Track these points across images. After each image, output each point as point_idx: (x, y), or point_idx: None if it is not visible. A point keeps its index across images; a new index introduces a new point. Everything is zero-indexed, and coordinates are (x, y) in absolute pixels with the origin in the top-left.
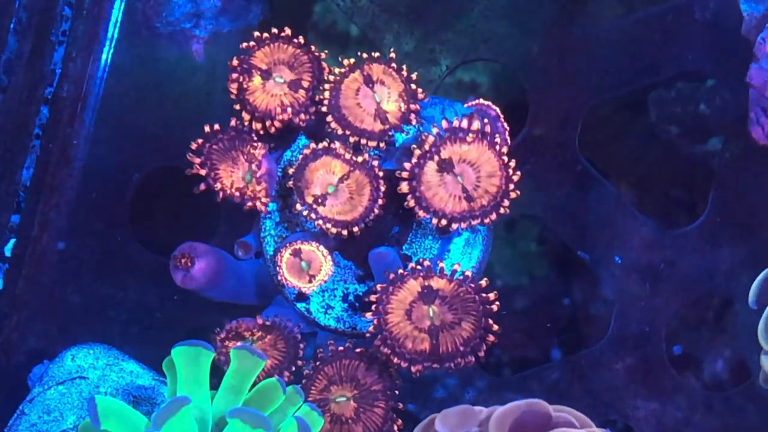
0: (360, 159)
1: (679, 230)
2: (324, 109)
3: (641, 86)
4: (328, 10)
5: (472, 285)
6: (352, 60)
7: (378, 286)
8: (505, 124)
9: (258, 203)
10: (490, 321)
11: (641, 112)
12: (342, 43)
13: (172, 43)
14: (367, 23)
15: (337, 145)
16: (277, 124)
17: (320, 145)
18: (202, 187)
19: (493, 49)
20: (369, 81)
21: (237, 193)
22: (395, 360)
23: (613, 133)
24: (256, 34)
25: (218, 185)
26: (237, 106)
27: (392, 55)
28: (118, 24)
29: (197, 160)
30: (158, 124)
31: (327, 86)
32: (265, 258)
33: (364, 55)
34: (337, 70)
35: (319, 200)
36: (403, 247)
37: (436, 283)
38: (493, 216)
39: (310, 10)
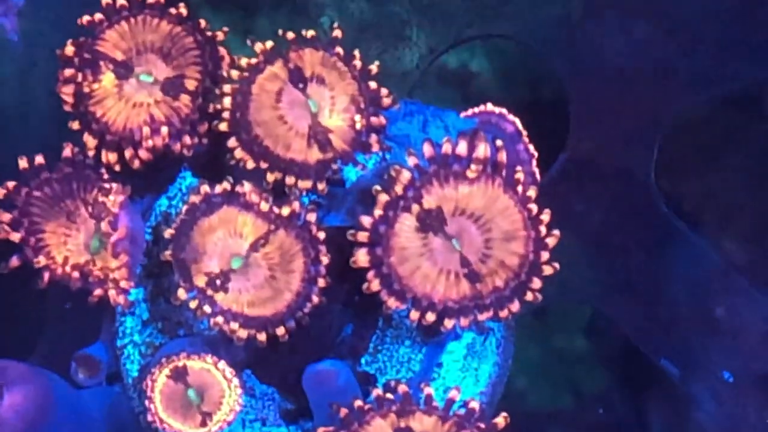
0: (286, 211)
1: None
2: (223, 126)
3: (755, 77)
4: None
5: (482, 426)
6: (269, 43)
7: (320, 431)
8: (531, 147)
9: (112, 290)
10: None
11: (755, 119)
12: (246, 12)
13: None
14: None
15: (246, 187)
16: (143, 154)
17: (218, 188)
18: (15, 262)
19: (507, 16)
20: (298, 78)
21: (75, 273)
22: None
23: (709, 154)
24: (106, 0)
25: (42, 259)
26: (75, 124)
27: (336, 32)
28: None
29: (6, 218)
30: None
31: (228, 88)
32: (124, 384)
33: (289, 35)
34: (244, 61)
35: (218, 282)
36: (363, 360)
37: (420, 423)
38: (515, 306)
39: None
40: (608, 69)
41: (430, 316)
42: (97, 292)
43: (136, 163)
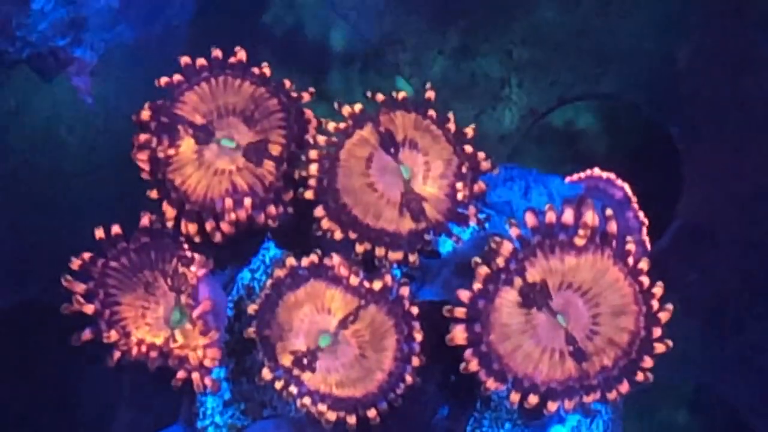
0: (377, 285)
1: None
2: (309, 194)
3: None
4: (289, 1)
5: None
6: (358, 106)
7: None
8: (641, 214)
9: (195, 372)
10: None
11: None
12: (320, 64)
13: (34, 74)
14: (364, 20)
15: (335, 260)
16: (225, 227)
17: (305, 261)
18: (87, 335)
19: (612, 73)
20: (390, 143)
21: (153, 352)
22: None
23: None
24: (185, 60)
25: (113, 334)
26: (153, 192)
27: (429, 93)
28: None
29: (80, 289)
30: (4, 223)
31: (314, 154)
32: None
33: (379, 96)
34: (332, 125)
35: (305, 361)
36: None
37: None
38: (624, 387)
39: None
40: (722, 126)
41: (533, 399)
42: (180, 374)
43: (218, 237)
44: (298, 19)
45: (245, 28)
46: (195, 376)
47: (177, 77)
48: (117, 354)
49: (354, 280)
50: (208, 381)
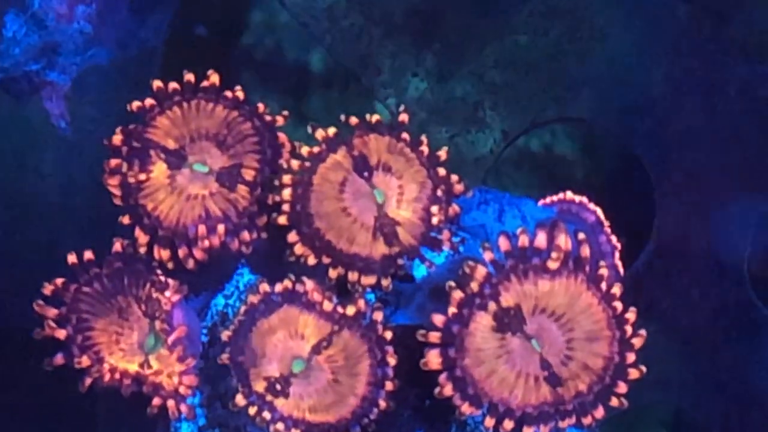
0: (351, 310)
1: None
2: (282, 220)
3: None
4: (268, 22)
5: None
6: (332, 130)
7: None
8: (614, 238)
9: (170, 399)
10: None
11: None
12: (300, 87)
13: (7, 98)
14: (339, 43)
15: (308, 285)
16: (198, 254)
17: (278, 287)
18: (59, 360)
19: (584, 98)
20: (363, 166)
21: (126, 379)
22: None
23: None
24: (157, 84)
25: (85, 359)
26: (125, 218)
27: (403, 116)
28: None
29: (52, 314)
30: None
31: (287, 179)
32: None
33: (352, 120)
34: (305, 149)
35: (278, 387)
36: None
37: None
38: (599, 412)
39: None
40: (695, 151)
41: (508, 424)
42: (156, 401)
43: (191, 263)
44: (277, 42)
45: (224, 50)
46: (170, 403)
47: (149, 101)
48: (88, 380)
49: (327, 306)
50: (183, 408)
